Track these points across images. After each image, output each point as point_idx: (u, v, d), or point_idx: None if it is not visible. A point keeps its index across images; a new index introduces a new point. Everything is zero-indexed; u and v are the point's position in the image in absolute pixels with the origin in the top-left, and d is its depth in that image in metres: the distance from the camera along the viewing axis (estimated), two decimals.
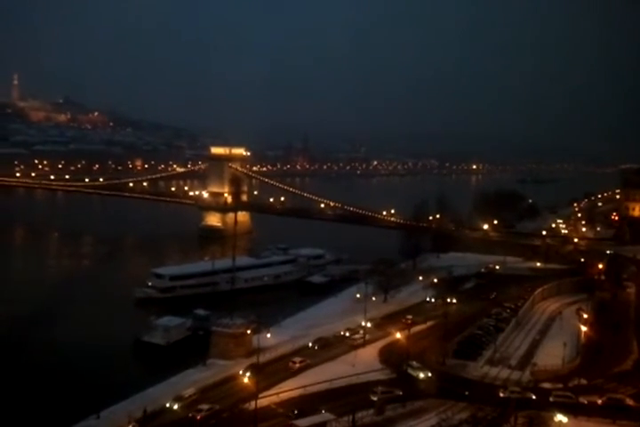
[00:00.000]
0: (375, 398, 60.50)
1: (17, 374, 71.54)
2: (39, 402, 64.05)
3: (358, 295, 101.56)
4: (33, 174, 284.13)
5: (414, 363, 70.42)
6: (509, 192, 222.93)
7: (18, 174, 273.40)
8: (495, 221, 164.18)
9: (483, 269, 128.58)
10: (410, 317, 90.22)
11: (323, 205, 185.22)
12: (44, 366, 74.85)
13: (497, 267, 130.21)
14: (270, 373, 68.79)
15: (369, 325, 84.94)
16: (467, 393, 62.81)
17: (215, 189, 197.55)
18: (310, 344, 79.70)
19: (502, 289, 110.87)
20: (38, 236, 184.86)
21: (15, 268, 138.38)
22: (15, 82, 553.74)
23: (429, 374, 68.31)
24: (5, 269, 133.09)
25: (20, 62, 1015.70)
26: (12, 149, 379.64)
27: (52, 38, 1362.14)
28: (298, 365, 71.31)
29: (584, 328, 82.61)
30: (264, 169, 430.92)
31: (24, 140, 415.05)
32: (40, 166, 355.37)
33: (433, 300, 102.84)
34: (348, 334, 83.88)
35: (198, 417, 57.17)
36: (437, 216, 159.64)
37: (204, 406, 58.70)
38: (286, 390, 64.19)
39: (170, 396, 61.45)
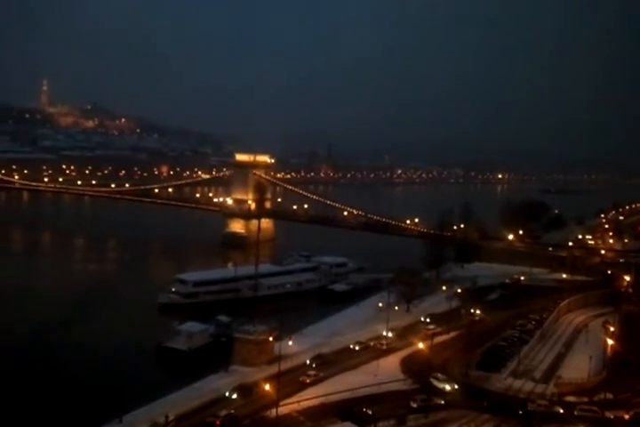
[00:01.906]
0: (415, 405, 60.56)
1: (41, 378, 72.45)
2: (63, 406, 64.72)
3: (381, 304, 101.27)
4: (60, 179, 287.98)
5: (440, 375, 69.61)
6: (535, 202, 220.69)
7: (46, 179, 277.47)
8: (521, 232, 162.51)
9: (507, 280, 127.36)
10: (432, 326, 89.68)
11: (346, 213, 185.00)
12: (69, 369, 75.75)
13: (522, 278, 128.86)
14: (292, 380, 68.65)
15: (390, 334, 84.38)
16: (490, 405, 62.08)
17: (239, 196, 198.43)
18: (308, 362, 75.59)
19: (527, 300, 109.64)
20: (65, 240, 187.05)
21: (42, 272, 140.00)
22: (44, 88, 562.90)
23: (456, 387, 67.51)
24: (33, 273, 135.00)
25: (50, 68, 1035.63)
26: (40, 154, 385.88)
27: (81, 45, 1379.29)
28: (309, 379, 69.78)
29: (610, 341, 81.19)
30: (288, 176, 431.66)
31: (52, 145, 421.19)
32: (67, 171, 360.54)
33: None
34: (371, 344, 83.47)
35: (218, 422, 57.28)
36: (462, 226, 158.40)
37: (223, 412, 58.76)
38: (307, 398, 64.01)
39: (192, 401, 61.64)
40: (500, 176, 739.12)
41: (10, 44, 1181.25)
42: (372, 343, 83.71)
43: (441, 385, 67.76)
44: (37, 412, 63.39)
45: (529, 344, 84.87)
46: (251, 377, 69.79)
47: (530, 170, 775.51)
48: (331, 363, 76.12)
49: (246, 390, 64.42)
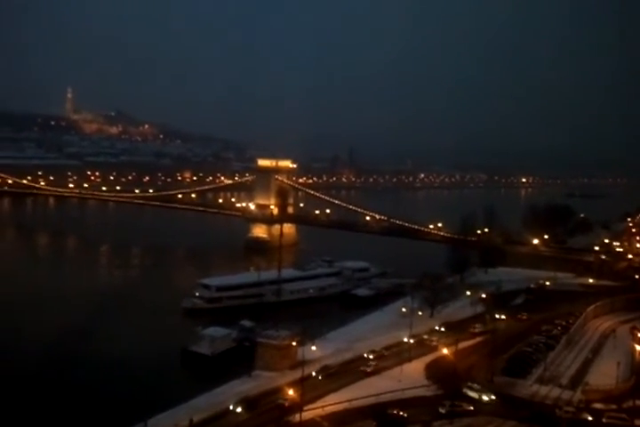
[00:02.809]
0: (444, 411, 60.09)
1: (67, 381, 73.20)
2: (88, 409, 65.28)
3: (404, 309, 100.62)
4: (85, 185, 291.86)
5: (475, 385, 68.47)
6: (560, 206, 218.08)
7: (71, 185, 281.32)
8: (545, 236, 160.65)
9: (532, 285, 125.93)
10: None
11: (368, 218, 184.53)
12: (94, 373, 76.43)
13: (547, 283, 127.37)
14: (314, 385, 68.50)
15: (411, 341, 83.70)
16: (532, 415, 61.06)
17: (262, 201, 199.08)
18: (314, 373, 72.30)
19: (553, 306, 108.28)
20: (90, 245, 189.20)
21: (68, 277, 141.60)
22: (69, 95, 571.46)
23: (492, 397, 66.24)
24: (58, 278, 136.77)
25: (74, 76, 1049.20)
26: (65, 160, 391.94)
27: (104, 52, 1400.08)
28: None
29: (639, 347, 79.76)
30: (310, 181, 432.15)
31: (77, 151, 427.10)
32: (92, 177, 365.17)
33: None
34: (386, 353, 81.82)
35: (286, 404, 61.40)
36: (486, 230, 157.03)
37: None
38: (331, 403, 63.80)
39: (215, 406, 61.76)
40: (523, 180, 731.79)
41: (35, 52, 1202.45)
42: (386, 353, 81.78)
43: (477, 395, 66.40)
44: (63, 415, 63.98)
45: (555, 350, 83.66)
46: (274, 382, 69.78)
47: (554, 174, 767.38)
48: (338, 375, 73.10)
49: (251, 403, 62.86)
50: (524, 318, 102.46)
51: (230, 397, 64.90)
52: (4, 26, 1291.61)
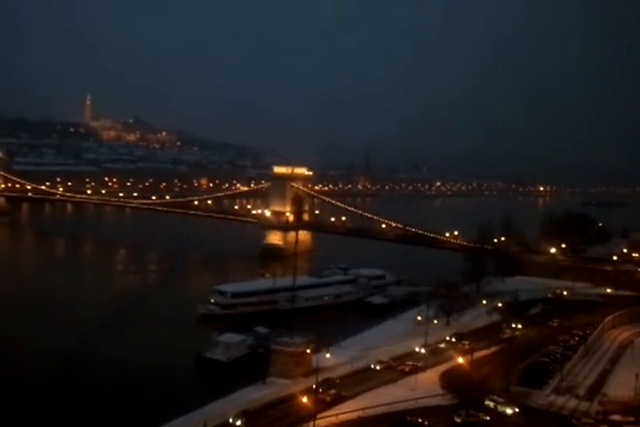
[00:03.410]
0: (459, 420, 59.62)
1: (81, 387, 73.54)
2: (102, 415, 65.55)
3: (419, 318, 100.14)
4: (103, 191, 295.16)
5: (498, 398, 67.49)
6: (578, 215, 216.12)
7: (89, 191, 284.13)
8: (563, 245, 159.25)
9: (550, 295, 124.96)
10: (467, 342, 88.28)
11: (384, 226, 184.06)
12: (109, 378, 76.81)
13: (565, 292, 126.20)
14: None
15: (423, 351, 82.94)
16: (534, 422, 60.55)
17: (277, 208, 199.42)
18: (314, 386, 67.49)
19: (570, 315, 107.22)
20: (106, 251, 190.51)
21: (85, 282, 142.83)
22: (88, 102, 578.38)
23: (517, 410, 65.25)
24: (76, 283, 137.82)
25: (93, 83, 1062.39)
26: (84, 166, 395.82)
27: (123, 60, 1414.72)
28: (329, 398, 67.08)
29: None
30: (325, 188, 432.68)
31: (95, 158, 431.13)
32: (110, 184, 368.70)
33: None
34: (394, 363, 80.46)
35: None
36: (502, 239, 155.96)
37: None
38: (345, 411, 63.56)
39: (230, 412, 61.70)
40: (541, 188, 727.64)
41: (54, 60, 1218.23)
42: (394, 363, 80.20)
43: (501, 408, 65.43)
44: (78, 420, 64.31)
45: (572, 360, 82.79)
46: (288, 389, 69.64)
47: (572, 182, 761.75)
48: (339, 389, 69.92)
49: (251, 416, 61.46)
50: (555, 324, 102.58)
51: (245, 403, 64.92)
52: (24, 34, 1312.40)
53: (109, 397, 70.79)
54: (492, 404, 66.15)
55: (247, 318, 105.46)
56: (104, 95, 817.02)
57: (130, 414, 65.22)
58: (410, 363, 78.46)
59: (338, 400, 67.24)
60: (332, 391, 68.79)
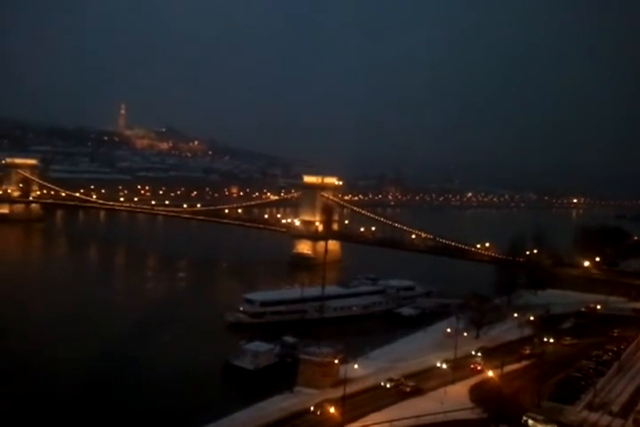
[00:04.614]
0: None
1: (109, 393, 74.25)
2: (130, 422, 66.03)
3: (449, 330, 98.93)
4: (135, 199, 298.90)
5: (537, 416, 65.85)
6: (612, 228, 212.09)
7: (122, 199, 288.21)
8: (597, 259, 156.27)
9: (583, 309, 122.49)
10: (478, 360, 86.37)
11: (414, 237, 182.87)
12: (138, 384, 77.33)
13: (598, 306, 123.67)
14: (357, 404, 67.76)
15: (444, 366, 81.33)
16: None
17: (307, 218, 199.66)
18: (312, 409, 66.56)
19: (604, 330, 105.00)
20: (138, 258, 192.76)
21: (116, 288, 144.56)
22: (122, 112, 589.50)
23: None
24: (107, 290, 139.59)
25: (127, 93, 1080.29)
26: (117, 174, 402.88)
27: (157, 71, 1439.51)
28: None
29: None
30: (356, 198, 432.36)
31: (129, 166, 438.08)
32: (142, 192, 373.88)
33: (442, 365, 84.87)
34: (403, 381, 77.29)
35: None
36: (534, 251, 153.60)
37: None
38: (372, 423, 63.01)
39: (257, 421, 61.66)
40: (574, 200, 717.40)
41: (90, 71, 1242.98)
42: (404, 381, 76.44)
43: (540, 426, 64.07)
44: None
45: (606, 376, 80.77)
46: (315, 399, 69.32)
47: (606, 195, 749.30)
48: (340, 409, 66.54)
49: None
50: (616, 334, 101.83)
51: (272, 412, 64.78)
52: (61, 46, 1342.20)
53: (138, 403, 71.26)
54: (530, 421, 64.67)
55: (275, 326, 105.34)
56: (138, 105, 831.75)
57: (158, 421, 65.59)
58: (411, 384, 74.91)
59: (417, 392, 72.76)
60: (412, 383, 73.33)
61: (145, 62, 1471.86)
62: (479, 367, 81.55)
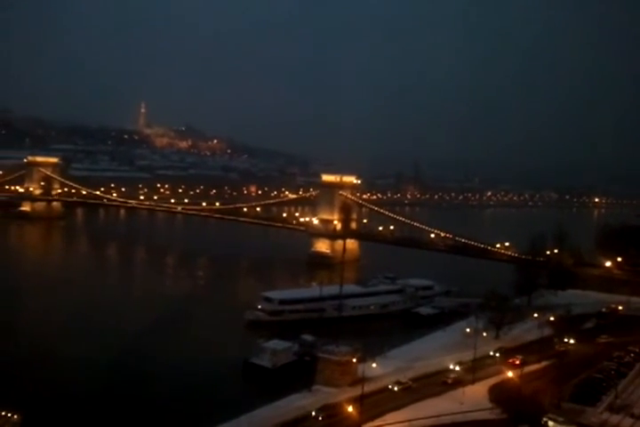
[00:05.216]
0: None
1: (130, 389, 74.85)
2: (149, 419, 66.49)
3: (468, 330, 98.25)
4: (155, 197, 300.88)
5: (557, 417, 65.24)
6: (635, 227, 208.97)
7: (142, 197, 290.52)
8: (619, 258, 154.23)
9: (604, 309, 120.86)
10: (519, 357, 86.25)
11: (432, 236, 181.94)
12: (157, 382, 77.96)
13: (620, 307, 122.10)
14: (376, 403, 67.60)
15: (457, 368, 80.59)
16: None
17: (325, 216, 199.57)
18: (314, 413, 65.18)
19: (625, 331, 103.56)
20: (157, 256, 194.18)
21: (135, 286, 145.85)
22: (142, 110, 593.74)
23: None
24: (126, 287, 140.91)
25: (147, 92, 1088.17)
26: (137, 173, 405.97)
27: (176, 70, 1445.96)
28: None
29: None
30: (374, 197, 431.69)
31: (148, 164, 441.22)
32: (162, 190, 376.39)
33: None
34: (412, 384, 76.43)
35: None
36: (555, 251, 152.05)
37: None
38: (390, 422, 62.84)
39: (275, 419, 61.73)
40: (596, 200, 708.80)
41: (111, 70, 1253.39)
42: (412, 384, 75.82)
43: None
44: (124, 423, 65.40)
45: (627, 377, 79.67)
46: (333, 398, 69.27)
47: (627, 194, 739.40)
48: (339, 416, 64.38)
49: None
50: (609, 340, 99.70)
51: (291, 410, 64.82)
52: (83, 47, 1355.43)
53: (157, 399, 71.82)
54: (550, 422, 64.02)
55: (293, 325, 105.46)
56: (158, 104, 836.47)
57: (177, 418, 65.99)
58: (453, 375, 77.67)
59: (458, 383, 75.54)
60: (453, 375, 76.32)
61: (165, 62, 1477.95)
62: (517, 362, 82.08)
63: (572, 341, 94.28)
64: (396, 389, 74.48)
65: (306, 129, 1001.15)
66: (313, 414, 65.05)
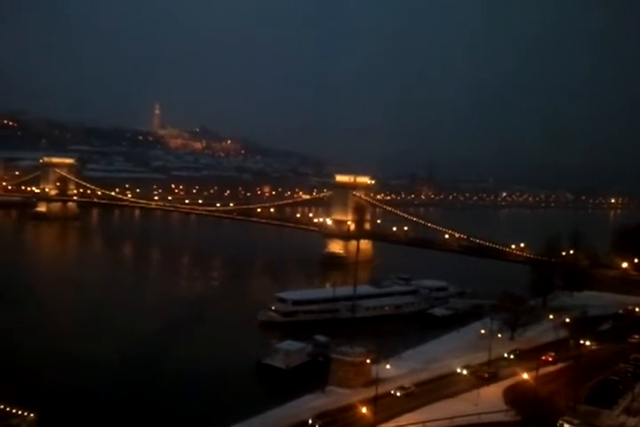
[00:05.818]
0: None
1: (144, 389, 75.23)
2: (163, 420, 66.72)
3: (483, 331, 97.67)
4: (169, 198, 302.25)
5: (572, 419, 64.72)
6: None
7: (156, 198, 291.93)
8: (636, 260, 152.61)
9: (620, 311, 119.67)
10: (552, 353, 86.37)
11: (447, 236, 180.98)
12: (171, 382, 78.30)
13: (637, 309, 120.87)
14: (390, 405, 67.38)
15: (465, 372, 79.92)
16: None
17: (339, 217, 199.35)
18: (310, 421, 62.90)
19: None
20: (171, 256, 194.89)
21: (149, 287, 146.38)
22: (157, 112, 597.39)
23: None
24: (141, 287, 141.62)
25: (161, 94, 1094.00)
26: (151, 174, 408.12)
27: (190, 72, 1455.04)
28: None
29: None
30: (388, 198, 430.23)
31: (163, 165, 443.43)
32: (176, 191, 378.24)
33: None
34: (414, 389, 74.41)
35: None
36: (571, 252, 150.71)
37: None
38: (405, 424, 62.57)
39: (289, 420, 61.67)
40: (612, 200, 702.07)
41: (126, 72, 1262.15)
42: (414, 389, 73.63)
43: None
44: (139, 423, 65.70)
45: None
46: (347, 399, 69.10)
47: None
48: (337, 423, 63.58)
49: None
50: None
51: (304, 411, 64.76)
52: (99, 49, 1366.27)
53: (171, 400, 72.05)
54: (566, 425, 63.37)
55: (307, 325, 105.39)
56: (172, 105, 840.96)
57: (191, 418, 66.16)
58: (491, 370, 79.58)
59: (493, 378, 77.98)
60: (490, 370, 78.02)
61: (179, 63, 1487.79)
62: (550, 359, 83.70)
63: (587, 342, 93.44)
64: (398, 394, 72.10)
65: (320, 130, 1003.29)
66: (310, 422, 62.55)
